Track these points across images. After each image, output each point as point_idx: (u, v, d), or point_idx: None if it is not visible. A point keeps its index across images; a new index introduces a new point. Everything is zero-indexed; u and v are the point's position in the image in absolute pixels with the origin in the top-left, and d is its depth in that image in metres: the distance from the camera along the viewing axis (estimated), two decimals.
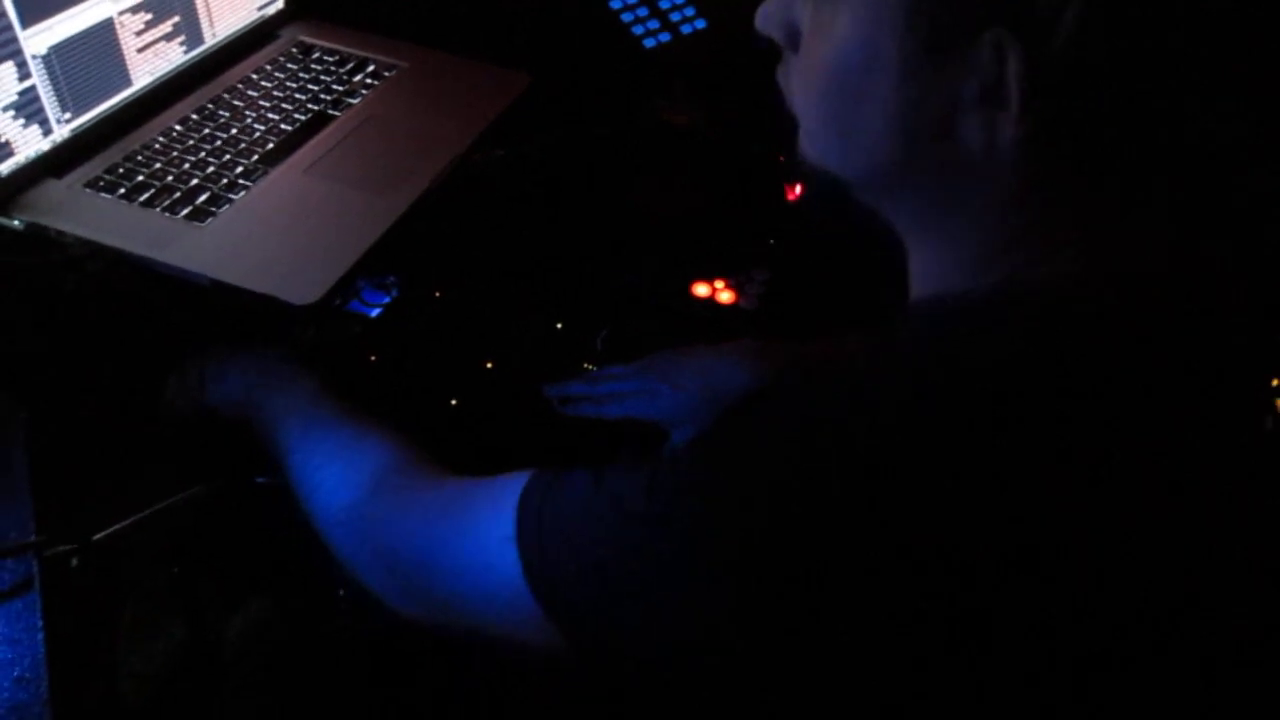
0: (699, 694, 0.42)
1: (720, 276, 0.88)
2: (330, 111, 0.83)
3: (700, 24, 1.02)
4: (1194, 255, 0.43)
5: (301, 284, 0.65)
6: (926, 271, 0.47)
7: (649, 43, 1.00)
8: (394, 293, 0.81)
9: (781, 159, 0.99)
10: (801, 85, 0.47)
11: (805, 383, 0.43)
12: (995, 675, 0.38)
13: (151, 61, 0.78)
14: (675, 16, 1.02)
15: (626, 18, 1.00)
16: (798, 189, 0.98)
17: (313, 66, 0.88)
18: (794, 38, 0.47)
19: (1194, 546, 0.39)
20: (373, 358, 0.78)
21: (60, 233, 0.67)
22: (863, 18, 0.42)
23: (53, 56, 0.69)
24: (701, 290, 0.88)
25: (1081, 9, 0.37)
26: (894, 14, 0.41)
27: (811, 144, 0.47)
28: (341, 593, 0.69)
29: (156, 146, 0.75)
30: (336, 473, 0.59)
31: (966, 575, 0.37)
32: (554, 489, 0.46)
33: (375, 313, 0.80)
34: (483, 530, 0.48)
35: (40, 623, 0.49)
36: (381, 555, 0.55)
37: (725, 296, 0.88)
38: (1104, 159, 0.41)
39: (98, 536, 0.58)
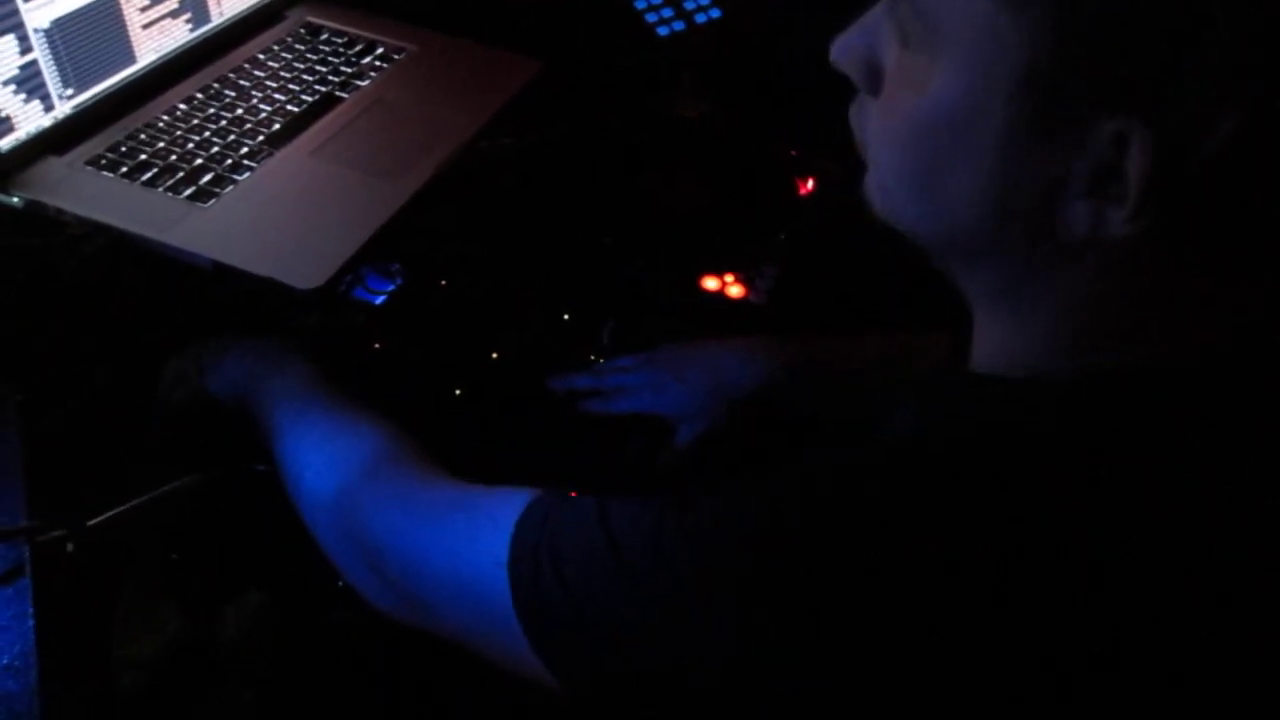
0: None
1: (730, 270, 0.87)
2: (338, 94, 0.81)
3: (715, 13, 1.01)
4: None
5: (305, 268, 0.63)
6: (991, 347, 0.43)
7: (662, 31, 0.98)
8: (399, 280, 0.80)
9: (794, 153, 0.98)
10: (880, 134, 0.42)
11: (836, 450, 0.41)
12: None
13: (156, 39, 0.77)
14: (690, 5, 1.00)
15: (640, 5, 0.99)
16: (810, 184, 0.97)
17: (320, 48, 0.86)
18: (875, 80, 0.42)
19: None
20: (377, 346, 0.77)
21: (60, 211, 0.65)
22: (965, 76, 0.37)
23: (55, 30, 0.68)
24: (711, 284, 0.86)
25: (1243, 119, 0.33)
26: (1007, 77, 0.36)
27: (883, 196, 0.43)
28: (340, 584, 0.68)
29: (160, 125, 0.73)
30: (326, 457, 0.58)
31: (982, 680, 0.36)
32: (554, 520, 0.45)
33: (380, 300, 0.79)
34: (477, 549, 0.46)
35: (31, 610, 0.47)
36: (365, 549, 0.53)
37: (734, 291, 0.86)
38: (1220, 263, 0.37)
39: (93, 522, 0.57)
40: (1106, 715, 0.36)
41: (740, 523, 0.40)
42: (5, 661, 0.46)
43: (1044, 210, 0.38)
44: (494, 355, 0.78)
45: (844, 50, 0.43)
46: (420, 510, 0.52)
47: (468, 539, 0.47)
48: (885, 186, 0.43)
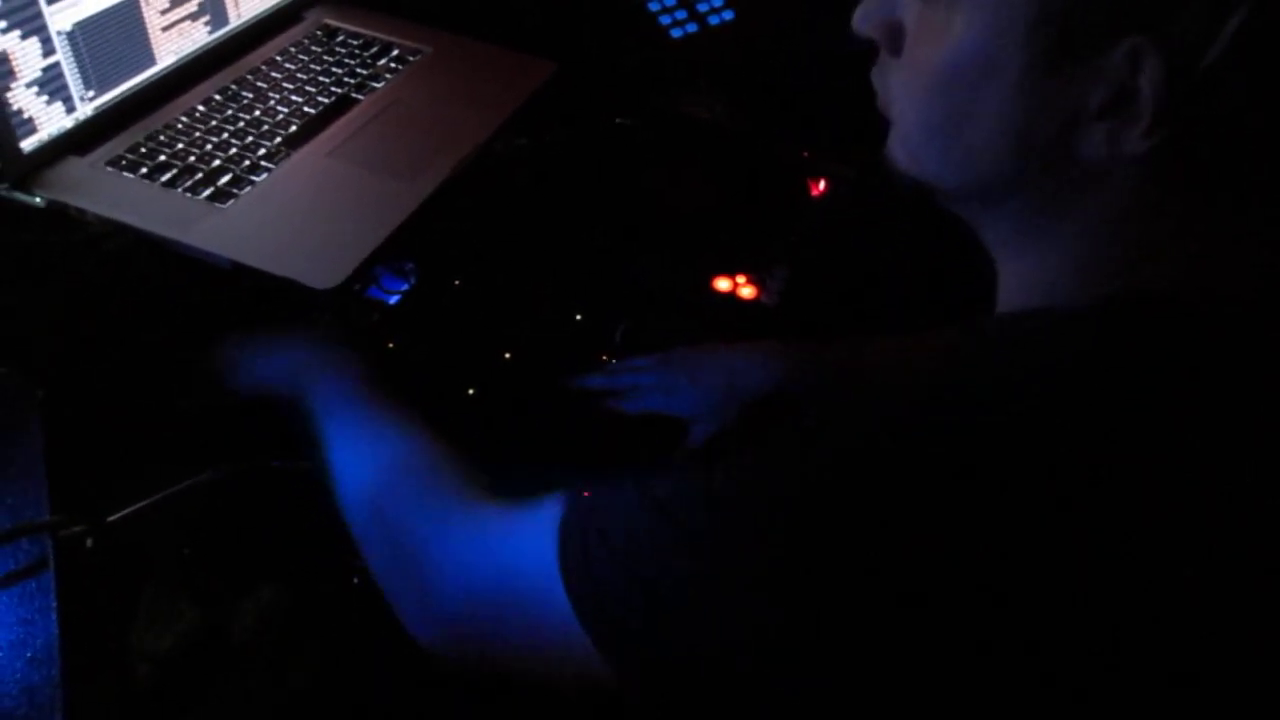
0: (737, 713, 0.41)
1: (742, 272, 0.87)
2: (354, 95, 0.82)
3: (728, 15, 1.01)
4: None
5: (322, 268, 0.64)
6: (1018, 286, 0.45)
7: (676, 33, 0.99)
8: (412, 280, 0.81)
9: (805, 155, 0.99)
10: (903, 89, 0.45)
11: (872, 389, 0.42)
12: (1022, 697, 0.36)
13: (176, 41, 0.78)
14: (703, 7, 1.01)
15: (654, 7, 0.99)
16: (822, 185, 0.97)
17: (337, 49, 0.87)
18: (896, 39, 0.44)
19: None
20: (390, 345, 0.78)
21: (81, 211, 0.66)
22: (983, 21, 0.39)
23: (77, 33, 0.69)
24: (723, 285, 0.87)
25: (1242, 23, 0.35)
26: (1020, 19, 0.38)
27: (907, 150, 0.45)
28: (356, 581, 0.68)
29: (179, 126, 0.74)
30: (369, 463, 0.58)
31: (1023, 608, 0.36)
32: (598, 503, 0.45)
33: (393, 300, 0.80)
34: (522, 540, 0.46)
35: (54, 603, 0.48)
36: (405, 554, 0.53)
37: (746, 292, 0.87)
38: (1235, 174, 0.39)
39: (113, 518, 0.58)
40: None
41: (791, 466, 0.40)
42: (29, 654, 0.47)
43: (1063, 140, 0.39)
44: (507, 355, 0.79)
45: (865, 16, 0.45)
46: (462, 512, 0.52)
47: (513, 533, 0.47)
48: (910, 140, 0.45)
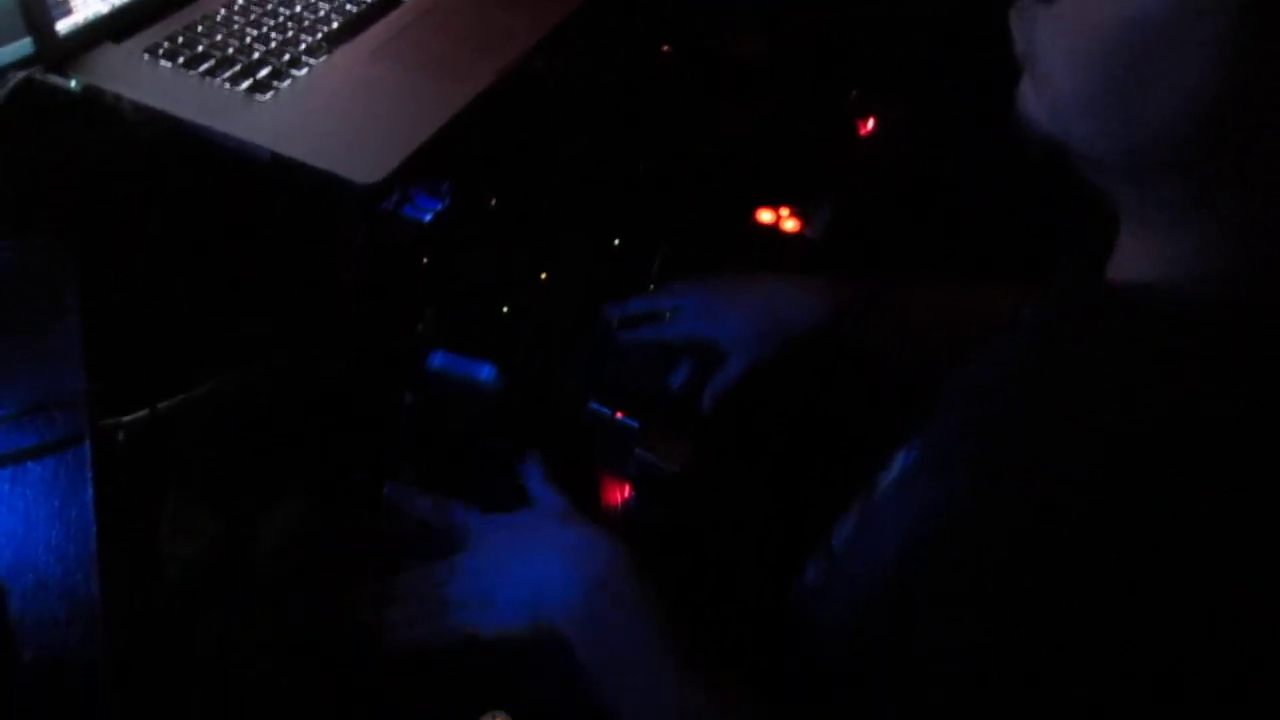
0: None
1: (785, 204, 0.85)
2: None
3: None
4: None
5: (363, 163, 0.62)
6: (1157, 264, 0.40)
7: None
8: (447, 199, 0.79)
9: (855, 93, 0.96)
10: (1059, 46, 0.38)
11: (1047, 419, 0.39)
12: None
13: None
14: None
15: None
16: (870, 124, 0.95)
17: None
18: None
19: None
20: (424, 261, 0.76)
21: (118, 97, 0.64)
22: None
23: None
24: (765, 216, 0.85)
25: None
26: None
27: (1057, 116, 0.39)
28: (386, 491, 0.67)
29: (219, 17, 0.72)
30: None
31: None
32: None
33: (428, 218, 0.78)
34: None
35: (89, 475, 0.47)
36: None
37: (789, 224, 0.85)
38: None
39: (163, 405, 0.56)
40: None
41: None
42: (66, 528, 0.46)
43: (1254, 121, 0.35)
44: (543, 275, 0.77)
45: None
46: None
47: None
48: (1062, 105, 0.39)
